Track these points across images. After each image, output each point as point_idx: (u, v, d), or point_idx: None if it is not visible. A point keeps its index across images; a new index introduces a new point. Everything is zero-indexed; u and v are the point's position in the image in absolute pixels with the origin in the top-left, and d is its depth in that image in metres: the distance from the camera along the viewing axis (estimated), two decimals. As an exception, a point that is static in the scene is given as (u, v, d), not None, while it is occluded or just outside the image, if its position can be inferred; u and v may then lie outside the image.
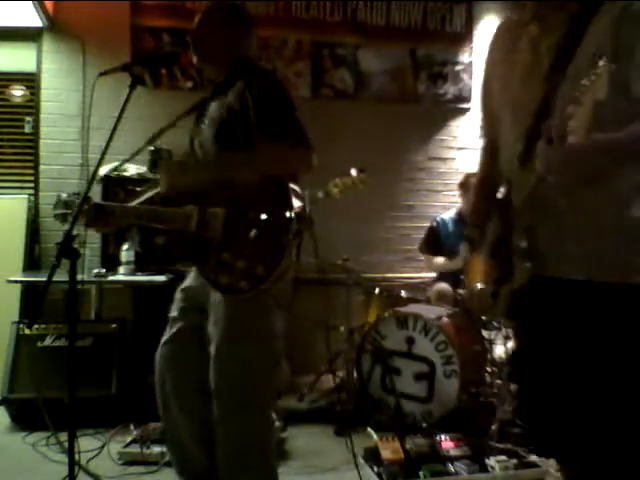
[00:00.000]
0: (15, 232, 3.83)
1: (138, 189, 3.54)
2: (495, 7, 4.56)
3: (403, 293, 3.61)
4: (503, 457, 2.48)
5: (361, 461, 2.50)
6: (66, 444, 1.67)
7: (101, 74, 1.86)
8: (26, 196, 3.97)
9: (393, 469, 2.45)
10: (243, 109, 1.86)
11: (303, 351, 3.66)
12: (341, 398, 3.39)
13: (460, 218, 3.87)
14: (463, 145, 4.67)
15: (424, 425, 2.94)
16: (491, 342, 3.03)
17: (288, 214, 1.77)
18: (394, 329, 3.20)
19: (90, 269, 3.32)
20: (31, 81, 4.09)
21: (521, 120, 1.30)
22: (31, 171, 4.09)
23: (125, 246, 3.37)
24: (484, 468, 2.45)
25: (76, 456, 1.70)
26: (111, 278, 3.34)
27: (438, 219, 4.00)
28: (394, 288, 3.75)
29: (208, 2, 2.15)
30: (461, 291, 3.51)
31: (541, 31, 1.33)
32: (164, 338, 2.00)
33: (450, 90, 4.66)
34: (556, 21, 1.29)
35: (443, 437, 2.68)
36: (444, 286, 3.68)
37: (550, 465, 2.37)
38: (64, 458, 1.74)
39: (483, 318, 3.08)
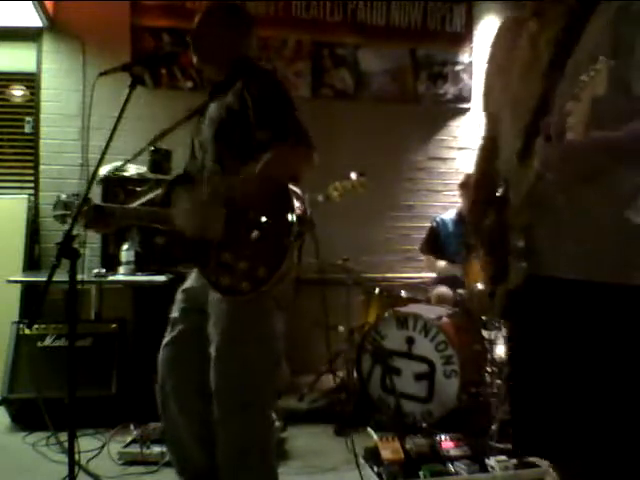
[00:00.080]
0: (15, 232, 3.83)
1: (138, 189, 3.57)
2: (495, 7, 4.56)
3: (403, 293, 3.61)
4: (503, 457, 2.48)
5: (361, 461, 2.50)
6: (66, 444, 1.67)
7: (101, 74, 1.86)
8: (26, 196, 3.97)
9: (393, 469, 2.45)
10: (242, 109, 1.86)
11: (303, 351, 3.66)
12: (341, 398, 3.39)
13: (460, 218, 3.87)
14: (463, 145, 4.67)
15: (424, 425, 2.94)
16: (491, 342, 3.03)
17: (289, 216, 1.77)
18: (394, 329, 3.20)
19: (90, 269, 3.32)
20: (31, 81, 4.09)
21: (520, 117, 1.29)
22: (31, 171, 4.09)
23: (125, 246, 3.37)
24: (484, 468, 2.45)
25: (76, 456, 1.70)
26: (111, 278, 3.34)
27: (438, 219, 4.00)
28: (394, 288, 3.75)
29: (208, 2, 2.15)
30: (461, 291, 3.52)
31: (540, 27, 1.32)
32: (165, 340, 2.00)
33: (450, 90, 4.66)
34: (555, 15, 1.29)
35: (443, 437, 2.68)
36: (444, 290, 3.67)
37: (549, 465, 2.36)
38: (64, 458, 1.74)
39: (483, 318, 3.07)
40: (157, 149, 3.60)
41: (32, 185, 4.07)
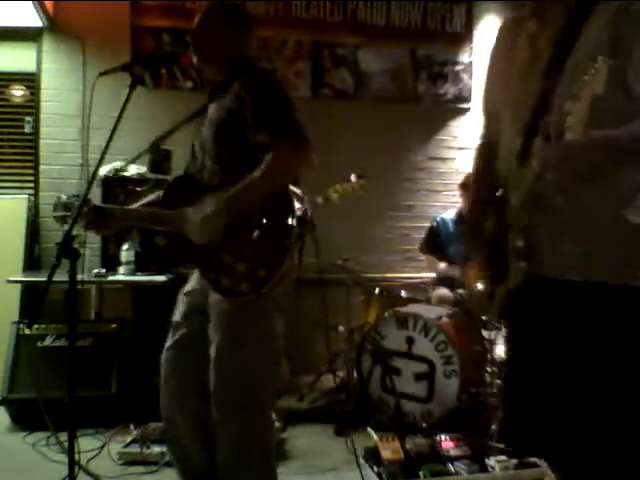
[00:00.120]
0: (15, 232, 3.83)
1: (138, 189, 3.57)
2: (495, 7, 4.56)
3: (403, 293, 3.61)
4: (503, 457, 2.48)
5: (361, 461, 2.50)
6: (66, 444, 1.67)
7: (101, 74, 1.86)
8: (26, 196, 3.97)
9: (393, 469, 2.45)
10: (240, 109, 1.85)
11: (303, 351, 3.67)
12: (341, 398, 3.39)
13: (460, 218, 3.87)
14: (463, 145, 4.67)
15: (424, 425, 2.94)
16: (491, 342, 3.03)
17: (290, 217, 1.77)
18: (394, 329, 3.20)
19: (90, 269, 3.32)
20: (31, 81, 4.09)
21: (520, 117, 1.29)
22: (31, 171, 4.09)
23: (125, 246, 3.37)
24: (484, 468, 2.45)
25: (76, 456, 1.70)
26: (111, 278, 3.34)
27: (438, 219, 4.00)
28: (394, 288, 3.75)
29: (208, 2, 2.14)
30: (461, 291, 3.52)
31: (539, 26, 1.32)
32: (168, 343, 2.00)
33: (450, 90, 4.65)
34: (554, 14, 1.29)
35: (443, 437, 2.68)
36: (444, 292, 3.68)
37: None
38: (64, 458, 1.74)
39: (483, 318, 3.07)
40: (157, 149, 3.59)
41: (32, 185, 4.07)
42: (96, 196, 3.38)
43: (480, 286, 1.46)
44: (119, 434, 2.91)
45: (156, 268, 3.32)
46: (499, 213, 1.38)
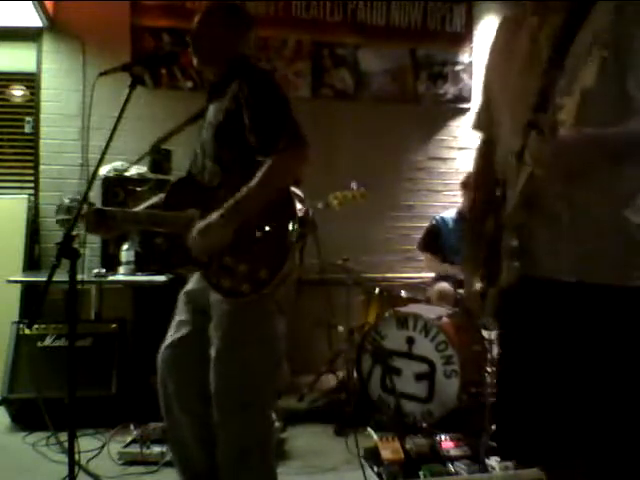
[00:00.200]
0: (15, 232, 3.83)
1: (138, 189, 3.57)
2: (495, 7, 4.56)
3: (403, 293, 3.61)
4: (503, 457, 2.48)
5: (361, 461, 2.50)
6: (66, 444, 1.67)
7: (101, 74, 1.85)
8: (26, 196, 3.97)
9: (393, 469, 2.45)
10: (238, 110, 1.85)
11: (303, 351, 3.66)
12: (341, 398, 3.39)
13: (461, 217, 3.87)
14: (463, 145, 4.66)
15: (424, 425, 2.94)
16: (491, 342, 3.02)
17: (291, 218, 1.77)
18: (394, 329, 3.20)
19: (90, 269, 3.32)
20: (31, 81, 4.09)
21: (519, 115, 1.28)
22: (31, 171, 4.09)
23: (125, 246, 3.37)
24: (484, 468, 2.45)
25: (76, 456, 1.70)
26: (111, 278, 3.34)
27: (438, 217, 4.00)
28: (394, 288, 3.75)
29: (208, 2, 2.14)
30: (461, 291, 3.51)
31: (541, 22, 1.32)
32: (167, 342, 2.00)
33: (450, 90, 4.65)
34: (554, 12, 1.28)
35: (443, 437, 2.68)
36: (445, 285, 3.67)
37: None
38: (64, 458, 1.74)
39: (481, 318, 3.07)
40: (157, 149, 3.59)
41: (32, 185, 4.07)
42: (96, 196, 3.38)
43: (478, 286, 1.46)
44: (119, 434, 2.91)
45: (156, 268, 3.32)
46: (497, 212, 1.38)
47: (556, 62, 1.22)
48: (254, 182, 1.76)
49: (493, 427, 2.69)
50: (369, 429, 2.92)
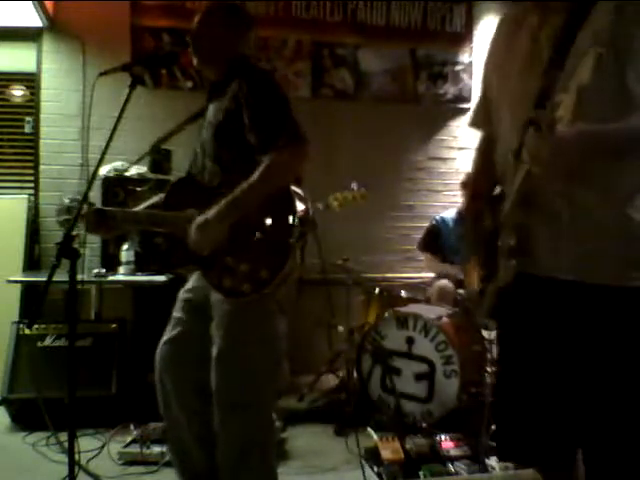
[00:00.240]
0: (15, 232, 3.83)
1: (138, 189, 3.57)
2: (495, 7, 4.56)
3: (403, 293, 3.61)
4: (503, 457, 2.48)
5: (361, 461, 2.50)
6: (66, 444, 1.67)
7: (101, 74, 1.86)
8: (26, 196, 3.97)
9: (393, 469, 2.45)
10: (237, 109, 1.85)
11: (303, 351, 3.66)
12: (341, 398, 3.39)
13: (461, 217, 3.87)
14: (463, 145, 4.66)
15: (424, 425, 2.94)
16: (491, 342, 3.03)
17: (291, 217, 1.77)
18: (394, 329, 3.20)
19: (90, 269, 3.32)
20: (31, 81, 4.09)
21: (519, 114, 1.27)
22: (31, 171, 4.09)
23: (125, 246, 3.37)
24: (484, 468, 2.45)
25: (76, 456, 1.70)
26: (111, 278, 3.34)
27: (438, 218, 4.00)
28: (394, 288, 3.75)
29: (208, 2, 2.14)
30: (461, 291, 3.51)
31: (541, 21, 1.31)
32: (165, 337, 2.00)
33: (450, 90, 4.65)
34: (554, 10, 1.28)
35: (443, 437, 2.69)
36: (446, 282, 3.67)
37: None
38: (64, 458, 1.74)
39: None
40: (157, 149, 3.60)
41: (32, 185, 4.07)
42: (96, 196, 3.38)
43: (477, 285, 1.46)
44: (119, 434, 2.91)
45: (156, 268, 3.32)
46: (494, 210, 1.37)
47: (557, 62, 1.22)
48: (253, 178, 1.76)
49: (493, 427, 2.70)
50: (369, 429, 2.92)
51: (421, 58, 4.60)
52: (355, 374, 3.32)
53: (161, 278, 3.25)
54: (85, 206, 1.88)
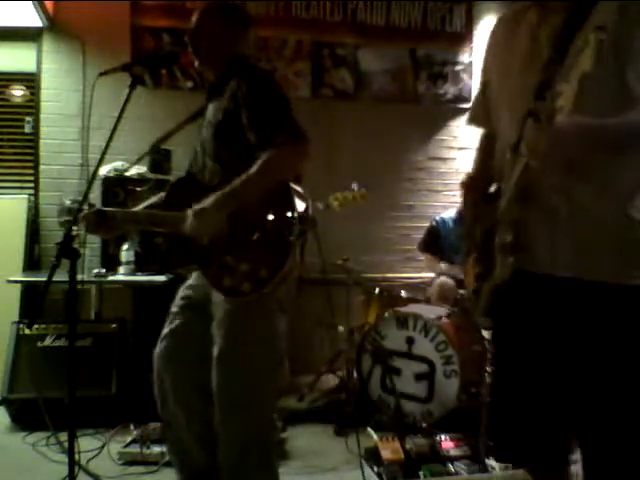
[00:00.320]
0: (15, 232, 3.83)
1: (138, 189, 3.57)
2: (495, 7, 4.55)
3: (403, 293, 3.61)
4: (503, 457, 2.47)
5: (361, 461, 2.50)
6: (66, 444, 1.68)
7: (101, 74, 1.86)
8: (26, 196, 3.96)
9: (393, 469, 2.46)
10: (236, 109, 1.85)
11: (303, 351, 3.66)
12: (341, 398, 3.39)
13: (461, 217, 3.86)
14: (463, 145, 4.66)
15: (424, 425, 2.94)
16: (491, 342, 3.02)
17: (290, 215, 1.77)
18: (394, 329, 3.20)
19: (90, 269, 3.32)
20: (31, 81, 4.09)
21: (518, 110, 1.27)
22: (31, 171, 4.09)
23: (125, 246, 3.37)
24: (484, 468, 2.45)
25: (76, 456, 1.70)
26: (111, 278, 3.34)
27: (438, 218, 4.00)
28: (394, 288, 3.75)
29: (208, 2, 2.14)
30: (461, 291, 3.51)
31: (540, 20, 1.31)
32: (163, 333, 2.01)
33: (450, 90, 4.65)
34: (554, 9, 1.28)
35: (443, 437, 2.69)
36: (446, 280, 3.65)
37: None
38: (64, 458, 1.74)
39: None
40: (157, 149, 3.60)
41: (32, 185, 4.07)
42: (96, 196, 3.38)
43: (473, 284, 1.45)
44: (119, 434, 2.91)
45: (156, 268, 3.32)
46: (491, 207, 1.37)
47: (556, 62, 1.22)
48: (252, 170, 1.76)
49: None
50: (369, 429, 2.93)
51: (421, 58, 4.60)
52: (355, 374, 3.32)
53: (161, 278, 3.25)
54: (85, 207, 1.89)
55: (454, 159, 4.69)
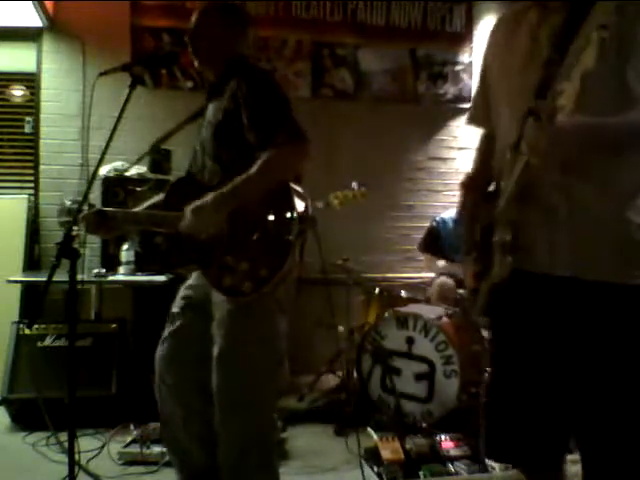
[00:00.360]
0: (15, 232, 3.83)
1: (138, 189, 3.57)
2: (495, 7, 4.55)
3: (403, 293, 3.61)
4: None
5: (361, 461, 2.50)
6: (66, 444, 1.67)
7: (101, 74, 1.86)
8: (26, 196, 3.96)
9: (393, 469, 2.46)
10: (236, 109, 1.85)
11: (303, 351, 3.66)
12: (341, 398, 3.39)
13: (461, 217, 3.86)
14: (463, 145, 4.66)
15: (424, 425, 2.94)
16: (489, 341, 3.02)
17: (290, 215, 1.77)
18: (394, 329, 3.20)
19: (90, 269, 3.32)
20: (31, 81, 4.09)
21: (518, 105, 1.27)
22: (31, 171, 4.09)
23: (125, 246, 3.37)
24: (484, 468, 2.45)
25: (76, 456, 1.70)
26: (111, 278, 3.34)
27: (438, 218, 4.00)
28: (394, 288, 3.75)
29: (207, 2, 2.14)
30: (461, 291, 3.51)
31: (540, 19, 1.31)
32: (164, 334, 2.01)
33: (450, 90, 4.65)
34: (554, 9, 1.28)
35: (443, 437, 2.69)
36: (446, 279, 3.65)
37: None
38: (64, 458, 1.74)
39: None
40: (157, 149, 3.60)
41: (32, 185, 4.07)
42: (96, 196, 3.38)
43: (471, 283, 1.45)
44: (119, 434, 2.91)
45: (156, 268, 3.32)
46: (490, 207, 1.37)
47: (557, 62, 1.22)
48: (252, 170, 1.76)
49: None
50: (369, 429, 2.93)
51: (421, 58, 4.60)
52: (355, 374, 3.32)
53: (161, 278, 3.25)
54: (85, 207, 1.89)
55: (454, 159, 4.68)
